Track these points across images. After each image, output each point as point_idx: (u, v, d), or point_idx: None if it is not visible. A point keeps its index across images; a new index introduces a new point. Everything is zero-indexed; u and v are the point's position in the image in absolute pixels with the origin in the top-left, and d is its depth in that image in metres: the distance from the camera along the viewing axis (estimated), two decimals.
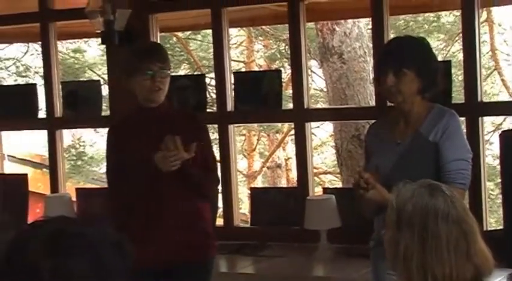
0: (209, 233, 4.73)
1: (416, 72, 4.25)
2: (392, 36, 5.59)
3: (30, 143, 13.01)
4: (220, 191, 6.01)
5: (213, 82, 6.23)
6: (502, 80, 13.66)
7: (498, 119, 10.72)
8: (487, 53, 13.12)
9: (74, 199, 6.45)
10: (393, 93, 4.27)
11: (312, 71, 12.65)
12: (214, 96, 6.18)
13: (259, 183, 14.45)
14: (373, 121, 4.79)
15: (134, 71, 4.59)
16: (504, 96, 13.27)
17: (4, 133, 6.94)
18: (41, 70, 6.80)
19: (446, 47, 13.62)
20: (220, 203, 6.07)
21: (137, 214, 4.52)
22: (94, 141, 15.36)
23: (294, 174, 13.34)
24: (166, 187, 4.50)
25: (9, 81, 14.26)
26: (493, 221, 5.52)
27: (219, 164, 5.93)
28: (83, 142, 15.32)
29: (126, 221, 4.54)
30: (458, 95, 6.27)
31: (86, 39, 13.23)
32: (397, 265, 2.83)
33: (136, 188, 4.56)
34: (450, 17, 13.44)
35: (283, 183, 14.32)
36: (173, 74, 8.46)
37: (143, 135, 4.59)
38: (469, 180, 4.31)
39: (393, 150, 4.30)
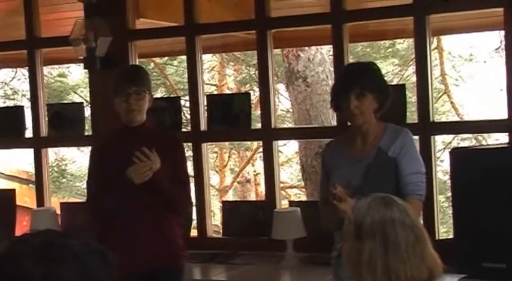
0: (179, 245, 4.73)
1: (375, 95, 4.29)
2: (351, 61, 5.61)
3: (18, 160, 12.93)
4: (194, 204, 6.00)
5: (188, 104, 6.20)
6: (451, 103, 13.72)
7: (448, 138, 10.76)
8: (438, 77, 13.18)
9: (58, 212, 6.42)
10: (356, 115, 4.30)
11: (279, 93, 12.69)
12: (188, 117, 6.17)
13: (230, 197, 14.44)
14: (330, 140, 4.80)
15: (114, 93, 4.60)
16: (453, 117, 13.32)
17: None
18: (28, 93, 6.77)
19: (400, 72, 13.67)
20: (194, 216, 6.06)
21: (113, 226, 4.51)
22: (75, 159, 15.29)
23: (262, 188, 13.29)
24: (139, 202, 4.51)
25: None
26: (444, 231, 5.53)
27: (193, 179, 5.93)
28: (65, 160, 15.25)
29: (102, 232, 4.54)
30: (411, 116, 6.29)
31: (69, 65, 13.20)
32: (360, 271, 2.85)
33: (113, 203, 4.56)
34: (404, 44, 13.48)
35: (252, 197, 14.31)
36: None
37: (124, 153, 4.54)
38: (425, 191, 4.38)
39: (356, 166, 4.32)
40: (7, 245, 1.88)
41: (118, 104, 4.59)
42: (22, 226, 7.00)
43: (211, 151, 13.28)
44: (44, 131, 6.51)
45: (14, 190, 6.99)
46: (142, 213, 4.54)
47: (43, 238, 1.87)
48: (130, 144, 4.55)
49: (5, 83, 15.03)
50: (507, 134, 5.18)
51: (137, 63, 6.17)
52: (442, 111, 13.64)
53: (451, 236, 5.37)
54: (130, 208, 4.53)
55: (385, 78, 4.58)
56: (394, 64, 14.13)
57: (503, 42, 5.38)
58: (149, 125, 4.79)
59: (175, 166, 4.66)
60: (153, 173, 4.44)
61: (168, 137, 4.88)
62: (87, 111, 6.60)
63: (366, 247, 2.82)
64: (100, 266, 1.87)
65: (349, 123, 4.49)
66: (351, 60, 5.65)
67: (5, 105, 13.99)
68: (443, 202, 10.74)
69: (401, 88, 5.64)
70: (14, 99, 14.69)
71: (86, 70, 6.14)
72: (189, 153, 5.92)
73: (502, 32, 5.20)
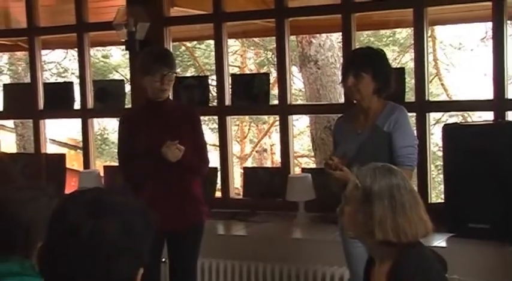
0: (200, 201, 4.76)
1: (372, 76, 4.28)
2: (357, 47, 5.57)
3: (67, 129, 12.96)
4: (218, 169, 6.00)
5: (214, 82, 6.18)
6: (442, 85, 13.70)
7: (438, 115, 10.71)
8: (431, 62, 13.12)
9: (101, 174, 6.44)
10: (353, 92, 4.33)
11: (293, 74, 12.66)
12: (215, 93, 6.15)
13: (249, 164, 14.42)
14: (340, 115, 4.78)
15: (147, 72, 4.59)
16: (444, 97, 13.29)
17: (47, 121, 6.89)
18: (77, 71, 6.76)
19: (399, 57, 13.62)
20: (218, 180, 6.07)
21: (143, 188, 4.51)
22: (115, 129, 15.32)
23: (277, 157, 13.34)
24: (166, 168, 4.51)
25: (51, 80, 14.18)
26: (433, 196, 5.52)
27: (218, 148, 5.95)
28: (107, 129, 15.28)
29: (135, 193, 4.55)
30: (408, 96, 6.24)
31: (111, 47, 13.18)
32: (371, 231, 2.86)
33: (144, 168, 4.60)
34: (403, 33, 13.44)
35: (268, 164, 14.30)
36: (181, 75, 8.47)
37: (150, 124, 4.64)
38: (416, 162, 4.36)
39: (355, 139, 4.32)
40: (60, 201, 1.87)
41: (150, 82, 4.59)
42: (71, 186, 7.02)
43: (233, 124, 13.26)
44: (90, 104, 6.52)
45: (64, 155, 7.01)
46: (169, 176, 4.57)
47: (92, 195, 1.85)
48: (157, 116, 4.64)
49: (58, 63, 15.07)
50: (492, 112, 5.15)
51: (170, 46, 6.15)
52: (434, 93, 13.61)
53: (440, 200, 5.33)
54: (157, 171, 4.55)
55: (389, 64, 4.52)
56: (394, 51, 14.07)
57: (488, 33, 5.31)
58: (169, 99, 4.82)
59: (194, 134, 4.71)
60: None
61: (187, 110, 4.91)
62: (127, 88, 6.58)
63: (376, 209, 2.83)
64: (141, 223, 1.84)
65: (354, 101, 4.46)
66: (357, 46, 5.60)
67: (57, 81, 14.01)
68: (433, 170, 10.73)
69: (401, 71, 5.60)
70: (64, 76, 14.69)
71: (127, 51, 6.12)
72: (214, 125, 5.91)
73: (487, 24, 5.16)
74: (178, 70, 5.77)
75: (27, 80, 7.02)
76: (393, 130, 4.27)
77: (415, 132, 4.56)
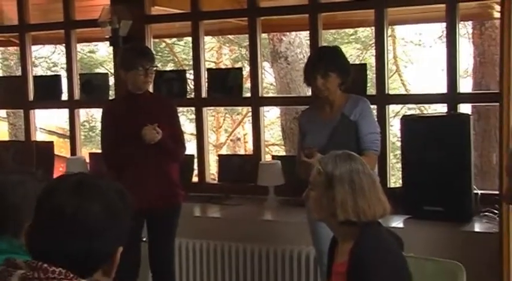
0: (177, 184, 4.77)
1: (337, 73, 4.32)
2: (323, 44, 5.57)
3: (55, 118, 12.86)
4: (195, 156, 5.99)
5: (192, 76, 6.16)
6: (401, 80, 13.75)
7: (397, 107, 10.74)
8: (391, 60, 13.16)
9: (87, 160, 6.41)
10: (322, 90, 4.35)
11: (264, 69, 12.65)
12: (192, 86, 6.13)
13: (224, 151, 14.39)
14: (306, 107, 4.78)
15: (131, 66, 4.58)
16: (402, 91, 13.33)
17: (37, 111, 6.85)
18: (65, 65, 6.71)
19: (361, 54, 13.64)
20: (195, 166, 6.05)
21: (125, 172, 4.51)
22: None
23: (250, 145, 13.29)
24: (145, 153, 4.54)
25: (41, 73, 14.09)
26: (392, 181, 5.55)
27: (195, 137, 5.93)
28: (93, 118, 15.19)
29: (116, 178, 4.54)
30: (369, 90, 6.24)
31: (97, 43, 13.08)
32: (333, 212, 2.89)
33: (124, 153, 4.60)
34: (365, 32, 13.46)
35: (241, 152, 14.29)
36: (161, 69, 8.41)
37: (131, 113, 4.64)
38: (380, 147, 4.41)
39: (324, 128, 4.35)
40: (47, 184, 1.87)
41: (134, 75, 4.61)
42: (59, 172, 6.98)
43: (209, 115, 13.24)
44: (77, 95, 6.50)
45: (52, 142, 6.99)
46: (148, 161, 4.58)
47: (76, 178, 1.86)
48: (137, 106, 4.66)
49: (47, 57, 14.97)
50: (445, 104, 5.18)
51: (151, 42, 6.14)
52: (393, 87, 13.67)
53: (398, 185, 5.36)
54: (138, 157, 4.57)
55: (347, 59, 4.55)
56: (356, 48, 14.10)
57: (445, 32, 5.34)
58: (147, 90, 4.80)
59: (171, 123, 4.71)
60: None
61: (164, 101, 4.96)
62: (111, 81, 6.55)
63: (338, 192, 2.86)
64: (121, 202, 1.85)
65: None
66: (323, 44, 5.61)
67: (46, 74, 13.91)
68: (391, 158, 10.78)
69: (363, 67, 5.61)
70: (53, 70, 14.57)
71: (111, 47, 6.09)
72: (192, 116, 5.90)
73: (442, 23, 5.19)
74: (158, 65, 5.77)
75: (19, 73, 6.96)
76: (359, 119, 4.33)
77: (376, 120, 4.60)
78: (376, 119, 4.61)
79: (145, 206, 4.35)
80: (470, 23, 9.54)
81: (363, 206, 2.85)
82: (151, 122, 4.52)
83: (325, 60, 4.37)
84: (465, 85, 8.57)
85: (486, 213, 4.76)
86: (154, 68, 4.72)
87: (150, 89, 4.91)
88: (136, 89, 4.65)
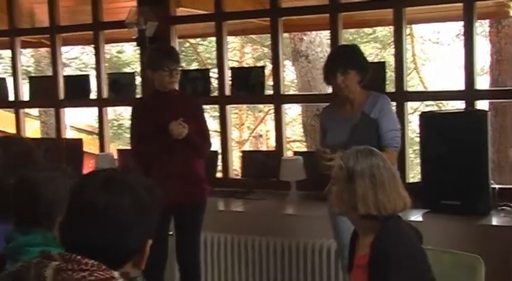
0: (203, 180, 4.78)
1: (357, 71, 4.29)
2: (343, 43, 5.56)
3: (85, 116, 12.94)
4: (219, 153, 6.01)
5: (216, 75, 6.16)
6: (419, 77, 13.69)
7: (415, 104, 10.69)
8: (409, 57, 13.10)
9: (115, 156, 6.44)
10: (342, 88, 4.32)
11: (286, 68, 12.65)
12: (216, 85, 6.13)
13: (247, 148, 14.40)
14: (327, 104, 4.77)
15: (157, 67, 4.60)
16: (421, 88, 13.28)
17: (67, 109, 6.90)
18: (93, 65, 6.75)
19: (380, 53, 13.59)
20: (219, 162, 6.06)
21: (152, 168, 4.52)
22: (128, 116, 15.33)
23: (272, 141, 13.31)
24: (172, 149, 4.55)
25: (71, 73, 14.18)
26: (411, 176, 5.52)
27: (219, 134, 5.94)
28: (121, 116, 15.26)
29: (144, 173, 4.56)
30: (388, 87, 6.22)
31: (124, 43, 13.13)
32: (354, 206, 2.89)
33: (152, 149, 4.61)
34: (383, 31, 13.41)
35: (264, 148, 14.29)
36: (186, 69, 8.44)
37: (158, 110, 4.65)
38: (400, 143, 4.40)
39: (345, 126, 4.32)
40: (78, 180, 1.88)
41: (160, 75, 4.62)
42: (88, 168, 7.01)
43: (232, 112, 13.26)
44: (105, 94, 6.52)
45: (81, 139, 7.02)
46: (175, 157, 4.60)
47: (105, 174, 1.86)
48: (164, 103, 4.66)
49: (77, 58, 15.06)
50: (463, 101, 5.15)
51: (176, 42, 6.15)
52: (411, 84, 13.62)
53: (417, 180, 5.34)
54: (165, 153, 4.58)
55: (365, 57, 4.53)
56: (375, 47, 14.06)
57: (461, 30, 5.30)
58: (175, 89, 4.81)
59: (197, 120, 4.71)
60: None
61: (190, 99, 4.96)
62: (138, 80, 6.57)
63: (359, 187, 2.86)
64: (149, 197, 1.85)
65: None
66: (343, 43, 5.60)
67: (76, 74, 13.98)
68: (410, 154, 10.75)
69: (382, 65, 5.59)
70: (83, 70, 14.65)
71: (138, 47, 6.11)
72: (215, 113, 5.91)
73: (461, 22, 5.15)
74: (183, 64, 5.80)
75: (50, 73, 7.00)
76: (380, 116, 4.30)
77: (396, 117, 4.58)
78: (396, 116, 4.57)
79: (172, 202, 4.37)
80: (487, 21, 9.47)
81: (383, 200, 2.85)
82: (178, 118, 4.53)
83: (344, 58, 4.36)
84: (482, 82, 8.53)
85: (503, 207, 4.75)
86: (180, 69, 4.75)
87: (177, 87, 4.91)
88: (162, 88, 4.68)
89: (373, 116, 4.30)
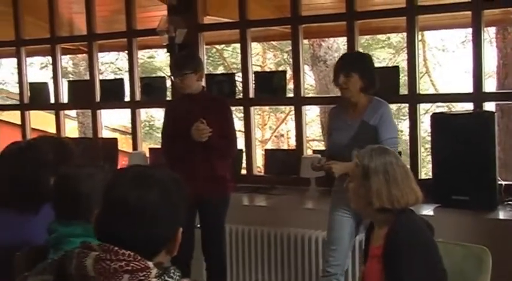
0: (225, 178, 4.75)
1: (359, 75, 4.23)
2: (360, 50, 5.54)
3: (119, 118, 13.00)
4: (243, 151, 6.01)
5: (240, 79, 6.17)
6: (431, 81, 13.62)
7: (427, 106, 10.64)
8: (421, 62, 13.04)
9: (147, 155, 6.47)
10: (344, 89, 4.27)
11: (305, 72, 12.62)
12: (240, 88, 6.14)
13: (269, 146, 14.41)
14: (334, 105, 4.69)
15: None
16: (432, 91, 13.22)
17: (103, 111, 6.93)
18: (127, 70, 6.78)
19: (393, 58, 13.55)
20: (243, 160, 6.07)
21: (179, 164, 4.52)
22: (159, 117, 15.37)
23: (292, 141, 13.30)
24: (195, 149, 4.56)
25: (106, 78, 14.26)
26: (423, 173, 5.50)
27: (243, 134, 5.94)
28: (152, 117, 15.32)
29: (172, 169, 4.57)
30: (402, 90, 6.20)
31: (155, 50, 13.18)
32: (370, 201, 2.91)
33: (178, 148, 4.62)
34: (397, 38, 13.37)
35: (285, 147, 14.28)
36: (212, 72, 8.44)
37: (185, 112, 4.65)
38: (398, 149, 4.30)
39: (346, 129, 4.28)
40: (111, 177, 1.88)
41: (174, 82, 4.80)
42: (122, 165, 7.05)
43: (256, 113, 13.28)
44: (138, 96, 6.54)
45: (116, 139, 7.04)
46: (197, 156, 4.59)
47: (134, 171, 1.86)
48: (192, 105, 4.65)
49: (112, 63, 15.14)
50: (472, 103, 5.12)
51: (204, 48, 6.16)
52: (424, 87, 13.56)
53: (429, 177, 5.32)
54: (188, 152, 4.59)
55: (373, 66, 4.45)
56: (389, 53, 14.01)
57: (468, 37, 5.27)
58: (204, 91, 4.82)
59: (223, 121, 4.68)
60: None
61: (217, 100, 4.92)
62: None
63: (373, 183, 2.89)
64: (177, 190, 1.86)
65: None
66: (360, 49, 5.58)
67: (111, 78, 14.05)
68: (422, 152, 10.69)
69: (396, 69, 5.57)
70: (117, 74, 14.72)
71: (168, 53, 6.13)
72: (240, 114, 5.92)
73: (467, 29, 5.12)
74: (209, 68, 5.77)
75: (87, 77, 7.05)
76: (379, 124, 4.22)
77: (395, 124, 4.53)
78: (395, 123, 4.47)
79: (196, 199, 4.39)
80: (493, 28, 9.41)
81: (397, 194, 2.87)
82: (203, 118, 4.54)
83: (350, 62, 4.34)
84: (489, 85, 8.47)
85: (509, 202, 4.72)
86: (189, 73, 4.66)
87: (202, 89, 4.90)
88: (182, 91, 4.74)
89: (372, 122, 4.22)
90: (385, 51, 14.04)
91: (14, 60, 7.47)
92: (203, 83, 4.88)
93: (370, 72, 4.32)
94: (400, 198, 2.87)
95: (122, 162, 7.40)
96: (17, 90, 7.49)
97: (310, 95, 11.24)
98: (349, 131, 4.26)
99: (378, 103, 4.32)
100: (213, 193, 4.66)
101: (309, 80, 12.13)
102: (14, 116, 8.23)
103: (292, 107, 6.19)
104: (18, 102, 7.40)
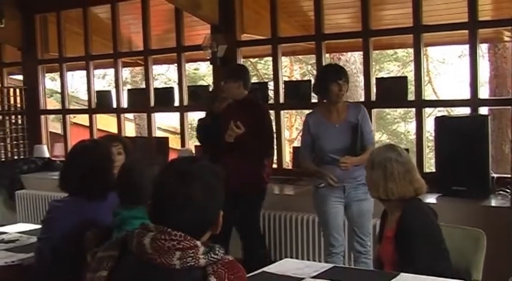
0: (259, 176, 4.65)
1: (347, 82, 4.15)
2: (373, 63, 5.50)
3: (169, 120, 13.06)
4: (276, 148, 5.97)
5: (271, 87, 6.17)
6: (433, 89, 13.51)
7: (429, 110, 10.54)
8: (425, 73, 12.92)
9: (193, 151, 6.48)
10: (339, 95, 4.13)
11: None
12: (272, 95, 6.14)
13: (296, 144, 14.38)
14: (310, 111, 4.44)
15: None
16: (434, 97, 13.11)
17: (156, 114, 6.98)
18: (176, 79, 6.81)
19: (400, 70, 13.46)
20: (275, 156, 6.04)
21: (219, 163, 4.47)
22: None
23: None
24: (231, 148, 4.51)
25: (159, 86, 14.33)
26: (427, 167, 5.46)
27: (275, 134, 5.91)
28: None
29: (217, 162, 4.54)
30: (409, 97, 6.14)
31: (200, 62, 13.24)
32: (370, 189, 2.96)
33: (220, 147, 4.59)
34: (403, 53, 13.27)
35: None
36: None
37: (228, 115, 4.63)
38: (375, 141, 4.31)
39: (334, 130, 4.16)
40: (158, 173, 1.86)
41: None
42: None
43: (284, 116, 13.27)
44: (185, 102, 6.55)
45: (167, 138, 7.08)
46: (231, 155, 4.52)
47: (179, 167, 1.83)
48: (233, 109, 4.65)
49: (163, 74, 15.23)
50: (469, 107, 5.06)
51: (241, 61, 6.16)
52: (427, 94, 13.43)
53: (432, 170, 5.27)
54: (225, 151, 4.54)
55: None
56: (396, 65, 13.92)
57: (464, 52, 5.20)
58: (248, 98, 4.74)
59: (259, 123, 4.58)
60: (235, 137, 4.46)
61: (254, 105, 4.75)
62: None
63: (375, 175, 2.88)
64: (216, 180, 1.83)
65: (324, 101, 4.29)
66: (373, 63, 5.53)
67: (163, 87, 14.14)
68: (426, 149, 10.59)
69: (404, 79, 5.52)
70: (167, 83, 14.80)
71: (211, 65, 6.16)
72: (272, 117, 5.90)
73: (464, 45, 5.06)
74: None
75: (143, 86, 7.09)
76: (362, 122, 4.14)
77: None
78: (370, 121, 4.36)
79: (233, 193, 4.35)
80: (486, 45, 9.34)
81: (392, 187, 2.83)
82: (242, 122, 4.48)
83: (342, 71, 4.20)
84: (483, 93, 8.40)
85: (501, 192, 4.66)
86: (229, 81, 4.65)
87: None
88: (227, 96, 4.74)
89: (355, 120, 4.14)
90: (392, 64, 13.94)
91: (83, 72, 7.54)
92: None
93: (348, 79, 4.23)
94: (395, 191, 2.83)
95: (173, 157, 7.43)
96: (86, 97, 7.57)
97: None
98: (338, 132, 4.14)
99: (356, 105, 4.29)
100: (246, 190, 4.54)
101: None
102: (83, 119, 8.32)
103: None
104: (87, 107, 7.47)
